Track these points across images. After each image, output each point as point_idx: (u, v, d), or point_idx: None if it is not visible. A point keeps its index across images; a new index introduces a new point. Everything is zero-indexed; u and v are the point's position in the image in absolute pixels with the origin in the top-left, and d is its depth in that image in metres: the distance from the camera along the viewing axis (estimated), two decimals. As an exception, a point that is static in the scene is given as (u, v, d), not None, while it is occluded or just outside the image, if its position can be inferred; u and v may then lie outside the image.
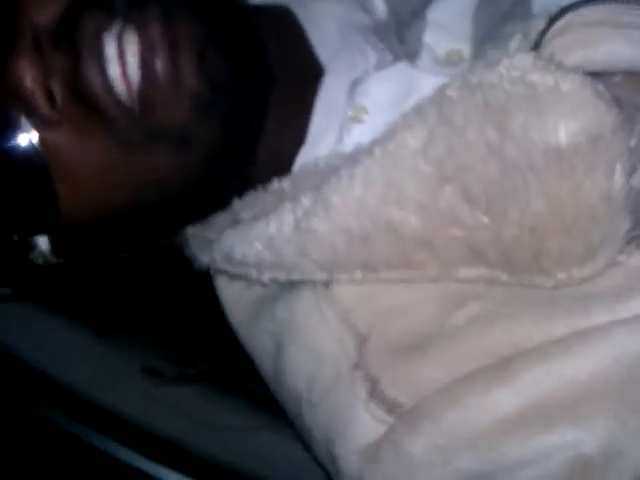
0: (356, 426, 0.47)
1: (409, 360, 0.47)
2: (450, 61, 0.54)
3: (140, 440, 0.71)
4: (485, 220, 0.44)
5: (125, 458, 0.71)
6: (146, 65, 0.46)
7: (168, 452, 0.69)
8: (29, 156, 0.47)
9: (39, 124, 0.47)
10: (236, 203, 0.53)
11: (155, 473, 0.69)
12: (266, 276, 0.50)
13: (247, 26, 0.52)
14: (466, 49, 0.54)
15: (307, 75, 0.55)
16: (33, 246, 0.52)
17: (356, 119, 0.53)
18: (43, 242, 0.52)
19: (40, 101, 0.46)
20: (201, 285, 0.60)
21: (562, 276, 0.44)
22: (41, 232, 0.51)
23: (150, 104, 0.46)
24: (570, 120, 0.41)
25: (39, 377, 0.72)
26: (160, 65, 0.45)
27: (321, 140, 0.54)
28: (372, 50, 0.56)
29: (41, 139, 0.47)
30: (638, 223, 0.44)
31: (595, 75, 0.45)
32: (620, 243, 0.43)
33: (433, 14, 0.56)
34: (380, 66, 0.55)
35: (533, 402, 0.43)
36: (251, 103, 0.50)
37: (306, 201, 0.47)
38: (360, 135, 0.52)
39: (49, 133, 0.47)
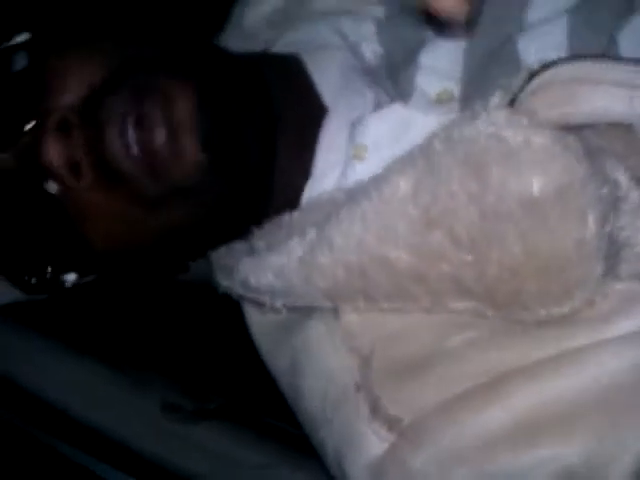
0: (362, 443, 0.50)
1: (409, 380, 0.50)
2: (441, 100, 0.58)
3: (159, 477, 0.70)
4: (469, 258, 0.47)
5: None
6: (147, 144, 0.51)
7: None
8: (60, 214, 0.53)
9: (66, 188, 0.52)
10: (254, 231, 0.57)
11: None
12: (279, 302, 0.54)
13: (259, 83, 0.56)
14: (456, 88, 0.58)
15: (312, 115, 0.59)
16: (62, 281, 0.57)
17: (358, 157, 0.57)
18: (72, 277, 0.57)
19: (67, 176, 0.51)
20: (219, 319, 0.61)
21: (542, 312, 0.47)
22: (71, 270, 0.57)
23: (161, 170, 0.51)
24: (541, 173, 0.44)
25: (59, 415, 0.73)
26: (160, 141, 0.51)
27: (326, 175, 0.58)
28: (370, 91, 0.60)
29: (67, 200, 0.52)
30: (614, 265, 0.46)
31: (578, 126, 0.48)
32: (596, 284, 0.46)
33: (425, 59, 0.59)
34: (377, 106, 0.59)
35: (522, 419, 0.46)
36: (258, 160, 0.55)
37: (310, 236, 0.51)
38: (362, 172, 0.55)
39: (75, 195, 0.52)
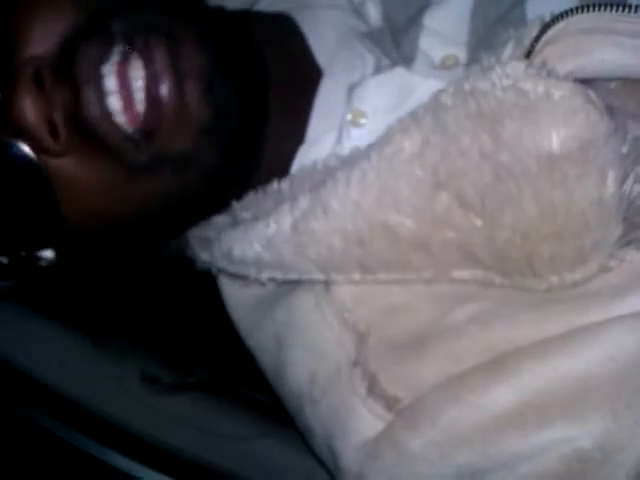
0: (355, 422, 0.48)
1: (408, 357, 0.47)
2: (446, 66, 0.55)
3: (138, 448, 0.70)
4: (479, 223, 0.45)
5: (123, 466, 0.71)
6: (152, 95, 0.46)
7: (167, 460, 0.69)
8: (34, 181, 0.49)
9: (43, 154, 0.48)
10: (235, 205, 0.54)
11: (151, 480, 0.69)
12: (264, 275, 0.51)
13: (248, 42, 0.53)
14: (462, 54, 0.55)
15: (306, 78, 0.56)
16: (39, 257, 0.54)
17: (355, 123, 0.54)
18: (49, 253, 0.54)
19: (43, 135, 0.47)
20: (200, 291, 0.60)
21: (554, 279, 0.45)
22: (47, 247, 0.53)
23: (154, 133, 0.47)
24: (562, 127, 0.42)
25: (35, 385, 0.72)
26: (166, 94, 0.46)
27: (320, 142, 0.55)
28: (370, 55, 0.57)
29: (45, 166, 0.48)
30: (631, 229, 0.44)
31: (589, 82, 0.46)
32: (612, 249, 0.44)
33: (428, 20, 0.56)
34: (378, 70, 0.56)
35: (530, 399, 0.44)
36: (253, 125, 0.51)
37: (304, 202, 0.48)
38: (358, 138, 0.53)
39: (53, 160, 0.48)
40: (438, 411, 0.45)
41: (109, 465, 0.71)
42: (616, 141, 0.42)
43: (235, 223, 0.53)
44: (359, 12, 0.61)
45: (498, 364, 0.45)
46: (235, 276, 0.54)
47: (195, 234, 0.56)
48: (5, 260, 0.53)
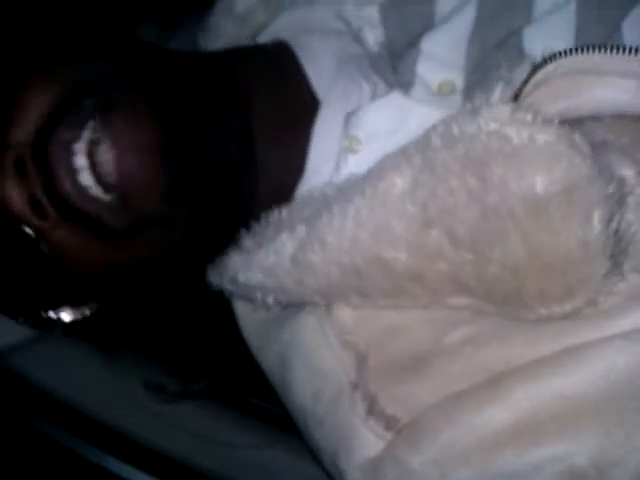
0: (357, 441, 0.49)
1: (406, 378, 0.49)
2: (443, 92, 0.56)
3: (142, 457, 0.70)
4: (469, 257, 0.46)
5: (127, 475, 0.71)
6: (115, 167, 0.49)
7: (171, 469, 0.70)
8: (36, 254, 0.51)
9: (36, 231, 0.51)
10: (243, 231, 0.55)
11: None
12: (270, 299, 0.53)
13: (216, 99, 0.53)
14: (459, 80, 0.56)
15: (304, 109, 0.57)
16: (58, 317, 0.57)
17: (351, 149, 0.55)
18: (67, 311, 0.57)
19: (30, 218, 0.50)
20: (206, 301, 0.61)
21: (543, 311, 0.46)
22: (62, 306, 0.57)
23: (127, 199, 0.49)
24: (545, 173, 0.43)
25: (40, 394, 0.72)
26: (128, 166, 0.49)
27: (320, 170, 0.56)
28: (366, 81, 0.58)
29: (44, 240, 0.51)
30: (617, 265, 0.45)
31: (582, 119, 0.47)
32: (598, 284, 0.45)
33: (426, 44, 0.57)
34: (374, 97, 0.57)
35: (524, 418, 0.45)
36: (227, 180, 0.53)
37: (301, 232, 0.50)
38: (355, 165, 0.54)
39: (46, 235, 0.51)
40: (436, 430, 0.46)
41: (111, 472, 0.71)
42: (601, 182, 0.43)
43: (239, 250, 0.54)
44: (357, 37, 0.62)
45: (493, 384, 0.46)
46: (244, 297, 0.56)
47: (213, 262, 0.58)
48: (31, 320, 0.57)
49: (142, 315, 0.74)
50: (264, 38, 0.65)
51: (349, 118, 0.56)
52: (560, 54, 0.48)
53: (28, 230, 0.50)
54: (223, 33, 0.65)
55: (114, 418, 0.71)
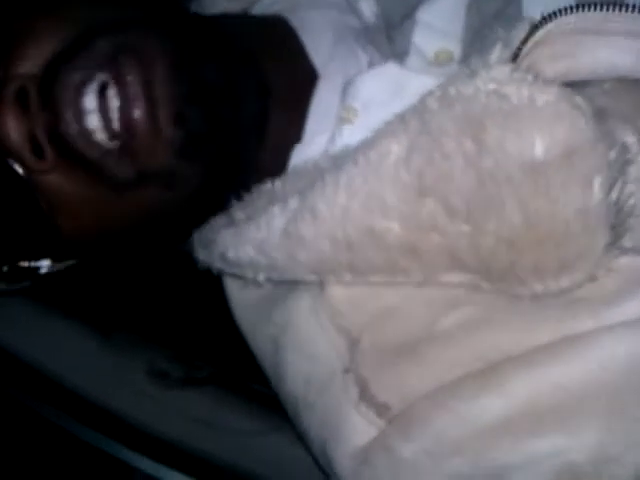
0: (348, 428, 0.48)
1: (398, 364, 0.47)
2: (439, 61, 0.54)
3: (144, 442, 0.70)
4: (465, 228, 0.44)
5: (130, 460, 0.71)
6: (125, 117, 0.47)
7: (173, 454, 0.69)
8: (24, 196, 0.49)
9: (29, 170, 0.48)
10: (235, 204, 0.54)
11: (159, 475, 0.69)
12: (261, 276, 0.51)
13: (236, 55, 0.52)
14: (456, 49, 0.54)
15: (303, 80, 0.56)
16: (37, 267, 0.55)
17: (346, 120, 0.53)
18: (47, 262, 0.55)
19: (26, 154, 0.47)
20: (208, 286, 0.60)
21: (538, 287, 0.44)
22: (44, 256, 0.54)
23: (134, 151, 0.47)
24: (545, 134, 0.41)
25: (44, 379, 0.72)
26: (138, 117, 0.47)
27: (314, 141, 0.55)
28: (363, 52, 0.57)
29: (35, 182, 0.49)
30: (618, 237, 0.43)
31: (582, 83, 0.44)
32: (598, 258, 0.43)
33: (422, 14, 0.55)
34: (371, 67, 0.56)
35: (521, 408, 0.43)
36: (239, 140, 0.51)
37: (293, 204, 0.48)
38: (350, 136, 0.52)
39: (41, 177, 0.49)
40: (428, 419, 0.45)
41: (114, 457, 0.72)
42: (603, 147, 0.41)
43: (231, 222, 0.53)
44: (353, 9, 0.61)
45: (488, 373, 0.44)
46: (234, 276, 0.54)
47: (198, 234, 0.57)
48: (5, 269, 0.54)
49: (145, 299, 0.74)
50: (258, 11, 0.63)
51: (346, 88, 0.54)
52: (560, 12, 0.46)
53: (17, 168, 0.48)
54: (217, 4, 0.64)
55: (115, 402, 0.71)
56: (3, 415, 0.79)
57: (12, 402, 0.76)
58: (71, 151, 0.47)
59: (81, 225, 0.51)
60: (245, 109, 0.51)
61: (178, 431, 0.69)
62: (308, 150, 0.54)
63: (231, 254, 0.51)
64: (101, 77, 0.47)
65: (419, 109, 0.45)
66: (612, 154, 0.41)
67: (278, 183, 0.53)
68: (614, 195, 0.42)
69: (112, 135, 0.47)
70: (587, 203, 0.41)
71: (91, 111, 0.47)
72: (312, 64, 0.57)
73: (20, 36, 0.49)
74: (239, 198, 0.54)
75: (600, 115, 0.42)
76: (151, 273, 0.72)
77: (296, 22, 0.59)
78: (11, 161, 0.48)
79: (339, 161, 0.48)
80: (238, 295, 0.58)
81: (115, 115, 0.47)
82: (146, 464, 0.70)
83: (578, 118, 0.41)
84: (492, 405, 0.44)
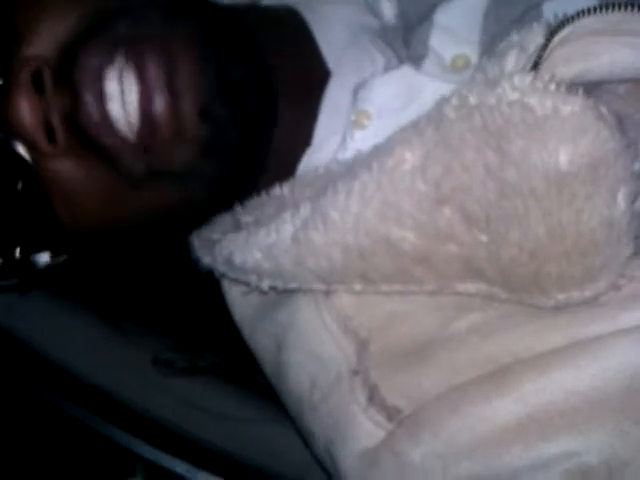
0: (356, 430, 0.47)
1: (408, 367, 0.47)
2: (456, 67, 0.53)
3: (147, 429, 0.71)
4: (484, 238, 0.43)
5: (133, 447, 0.71)
6: (145, 110, 0.45)
7: (175, 442, 0.69)
8: (27, 181, 0.48)
9: (39, 155, 0.47)
10: (238, 208, 0.53)
11: (162, 462, 0.69)
12: (265, 284, 0.50)
13: (253, 50, 0.51)
14: (473, 55, 0.53)
15: (314, 79, 0.55)
16: (34, 260, 0.53)
17: (359, 124, 0.52)
18: (44, 257, 0.53)
19: (38, 137, 0.46)
20: (212, 279, 0.60)
21: (562, 297, 0.43)
22: (43, 249, 0.52)
23: (151, 145, 0.46)
24: (570, 145, 0.40)
25: (49, 365, 0.73)
26: (159, 111, 0.45)
27: (324, 145, 0.54)
28: (379, 54, 0.56)
29: (41, 167, 0.47)
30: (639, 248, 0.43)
31: (597, 85, 0.44)
32: (622, 267, 0.42)
33: (440, 16, 0.54)
34: (387, 70, 0.55)
35: (532, 412, 0.43)
36: (257, 137, 0.50)
37: (305, 211, 0.47)
38: (362, 141, 0.51)
39: (50, 163, 0.47)
40: (439, 422, 0.44)
41: (117, 444, 0.72)
42: (627, 158, 0.41)
43: (237, 226, 0.52)
44: (373, 9, 0.59)
45: (500, 376, 0.44)
46: (237, 281, 0.53)
47: (198, 234, 0.55)
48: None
49: (151, 290, 0.74)
50: (268, 1, 0.62)
51: (358, 91, 0.53)
52: (578, 15, 0.46)
53: (24, 152, 0.47)
54: None
55: (120, 390, 0.71)
56: (10, 402, 0.79)
57: (19, 389, 0.76)
58: (87, 136, 0.46)
59: (85, 215, 0.49)
60: (262, 107, 0.50)
61: (179, 418, 0.69)
62: (318, 154, 0.54)
63: (237, 258, 0.50)
64: (121, 62, 0.45)
65: (435, 118, 0.44)
66: (636, 165, 0.41)
67: (287, 188, 0.52)
68: (638, 206, 0.42)
69: (131, 127, 0.46)
70: (612, 214, 0.41)
71: (113, 97, 0.45)
72: (324, 61, 0.55)
73: (31, 15, 0.47)
74: (244, 200, 0.53)
75: (621, 125, 0.41)
76: (157, 265, 0.72)
77: (309, 15, 0.57)
78: (16, 144, 0.47)
79: (352, 167, 0.47)
80: (239, 298, 0.57)
81: (134, 106, 0.45)
82: (146, 449, 0.70)
83: (603, 129, 0.40)
84: (503, 408, 0.43)
